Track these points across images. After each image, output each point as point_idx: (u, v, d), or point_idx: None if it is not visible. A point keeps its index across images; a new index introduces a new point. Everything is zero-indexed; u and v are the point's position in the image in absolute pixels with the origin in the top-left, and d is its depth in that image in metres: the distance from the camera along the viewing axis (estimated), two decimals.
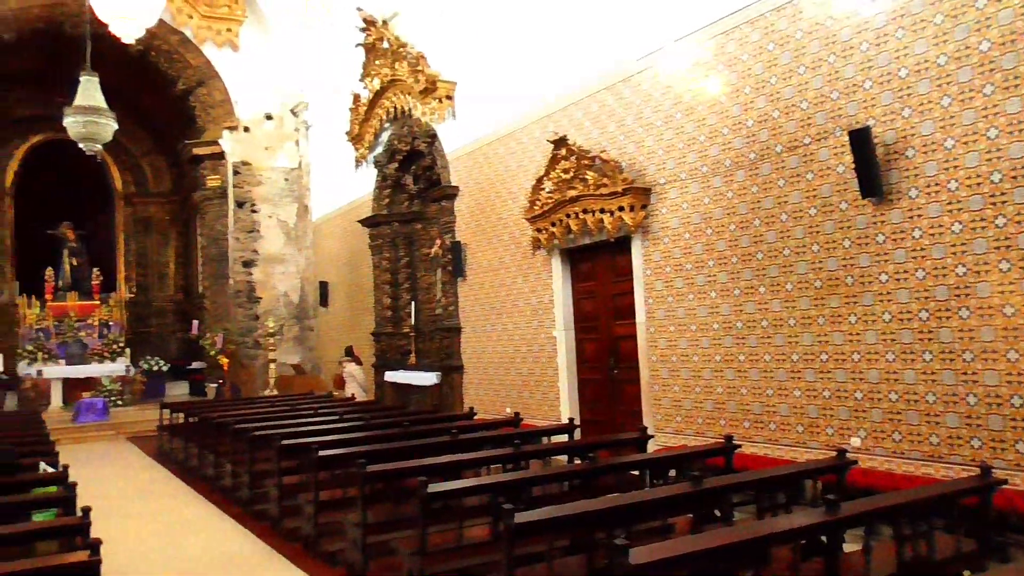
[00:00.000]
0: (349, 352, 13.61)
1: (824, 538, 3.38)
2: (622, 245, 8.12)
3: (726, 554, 3.01)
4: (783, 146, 6.37)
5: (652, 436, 6.56)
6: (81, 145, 10.64)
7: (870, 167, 5.55)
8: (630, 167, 7.87)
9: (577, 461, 5.95)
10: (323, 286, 16.46)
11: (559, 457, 6.38)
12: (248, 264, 16.71)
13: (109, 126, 10.56)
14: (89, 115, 10.30)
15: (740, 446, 5.80)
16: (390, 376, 12.85)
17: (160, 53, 16.16)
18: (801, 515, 3.71)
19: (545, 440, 6.76)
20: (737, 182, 6.79)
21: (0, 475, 5.23)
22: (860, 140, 5.57)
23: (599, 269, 8.70)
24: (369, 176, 13.66)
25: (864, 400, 5.77)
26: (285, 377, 15.72)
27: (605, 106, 8.26)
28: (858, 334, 5.81)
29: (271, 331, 15.18)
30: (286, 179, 17.10)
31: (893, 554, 3.62)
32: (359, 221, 13.80)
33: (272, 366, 15.01)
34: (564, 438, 6.99)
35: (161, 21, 13.38)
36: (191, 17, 16.02)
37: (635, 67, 7.84)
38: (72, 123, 10.35)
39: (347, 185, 14.82)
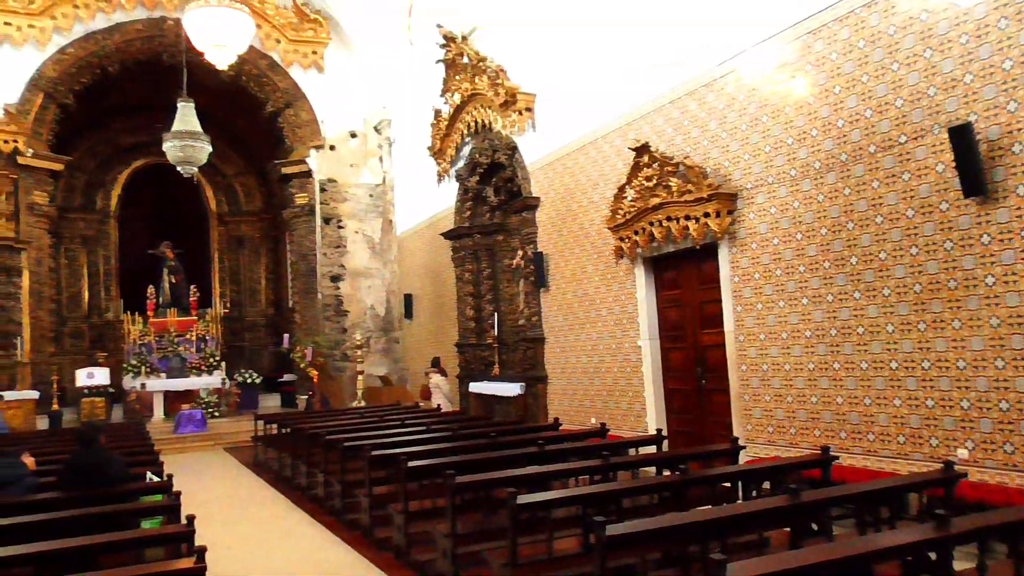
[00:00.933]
0: (435, 363, 13.78)
1: (933, 555, 3.22)
2: (708, 252, 7.97)
3: (830, 570, 2.90)
4: (877, 146, 6.14)
5: (744, 447, 6.39)
6: (179, 168, 11.17)
7: (973, 165, 5.29)
8: (715, 173, 7.73)
9: (666, 473, 5.85)
10: (408, 299, 16.74)
11: (647, 469, 6.29)
12: (336, 279, 17.19)
13: (205, 149, 11.06)
14: (186, 139, 10.82)
15: (837, 457, 5.60)
16: (474, 387, 12.94)
17: (250, 77, 16.86)
18: (907, 531, 3.55)
19: (632, 451, 6.68)
20: (828, 184, 6.58)
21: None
22: (961, 137, 5.32)
23: (684, 277, 8.56)
24: (451, 190, 13.85)
25: (971, 409, 5.48)
26: (373, 388, 16.03)
27: (687, 111, 8.14)
28: (963, 340, 5.53)
29: (358, 343, 15.52)
30: (371, 195, 17.54)
31: (1010, 573, 3.42)
32: (442, 234, 13.99)
33: (360, 378, 15.33)
34: (652, 449, 6.88)
35: (251, 47, 13.91)
36: (279, 42, 16.72)
37: (718, 71, 7.70)
38: (171, 147, 10.88)
39: (430, 199, 15.06)
